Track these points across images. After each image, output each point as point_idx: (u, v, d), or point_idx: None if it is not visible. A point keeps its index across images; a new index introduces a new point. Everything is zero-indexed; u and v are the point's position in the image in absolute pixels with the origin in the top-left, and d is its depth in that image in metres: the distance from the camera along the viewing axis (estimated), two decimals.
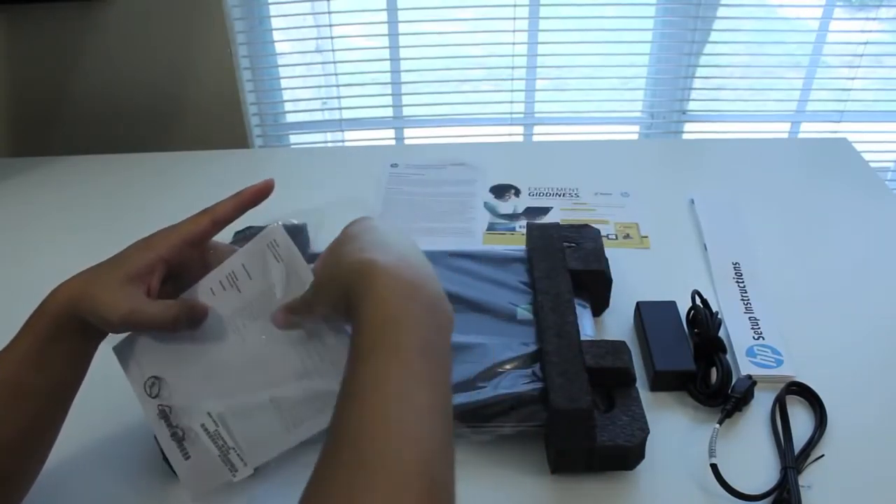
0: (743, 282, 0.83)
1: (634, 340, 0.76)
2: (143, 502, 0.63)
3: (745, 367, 0.72)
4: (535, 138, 1.56)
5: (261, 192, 0.56)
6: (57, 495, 0.62)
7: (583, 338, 0.67)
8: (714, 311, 0.74)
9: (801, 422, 0.67)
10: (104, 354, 0.57)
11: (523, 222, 0.95)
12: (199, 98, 1.34)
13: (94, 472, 0.64)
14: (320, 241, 0.55)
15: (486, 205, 0.99)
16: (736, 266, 0.86)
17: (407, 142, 1.58)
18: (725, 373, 0.69)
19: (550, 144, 1.45)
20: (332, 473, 0.38)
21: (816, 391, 0.69)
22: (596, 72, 1.48)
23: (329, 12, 1.37)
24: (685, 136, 1.56)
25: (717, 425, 0.65)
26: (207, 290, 0.55)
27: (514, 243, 0.90)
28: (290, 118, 1.51)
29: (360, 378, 0.40)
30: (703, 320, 0.73)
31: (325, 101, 1.51)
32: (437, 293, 0.45)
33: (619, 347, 0.66)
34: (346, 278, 0.45)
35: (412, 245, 0.49)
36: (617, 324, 0.78)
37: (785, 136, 1.58)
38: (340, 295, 0.46)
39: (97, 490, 0.63)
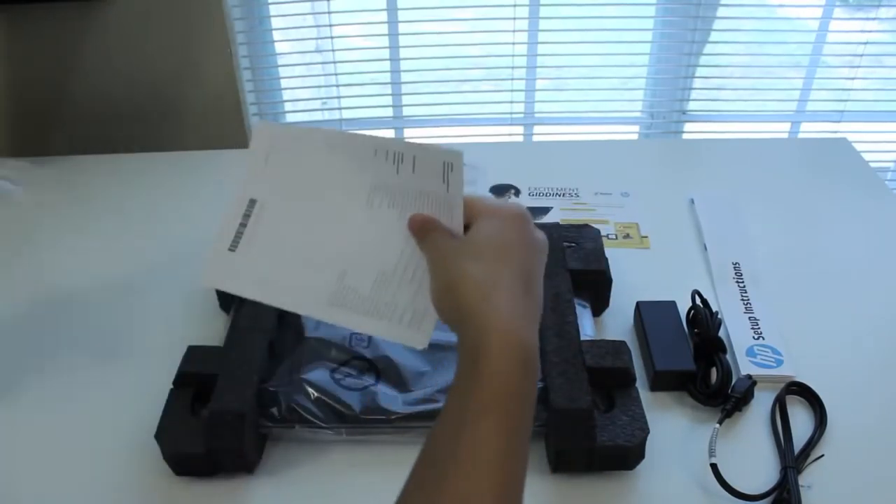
0: (743, 282, 0.83)
1: (634, 340, 0.76)
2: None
3: (745, 367, 0.72)
4: (535, 138, 1.56)
5: None
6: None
7: (583, 338, 0.67)
8: (714, 311, 0.74)
9: (801, 422, 0.67)
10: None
11: None
12: (199, 98, 1.34)
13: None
14: None
15: None
16: (736, 266, 0.86)
17: None
18: (725, 373, 0.69)
19: (550, 144, 1.45)
20: None
21: (816, 391, 0.69)
22: (596, 72, 1.48)
23: (329, 12, 1.37)
24: (685, 136, 1.56)
25: (717, 425, 0.65)
26: (371, 150, 0.53)
27: None
28: (290, 118, 1.51)
29: (467, 442, 0.40)
30: (703, 320, 0.73)
31: (325, 101, 1.51)
32: (537, 352, 0.44)
33: (619, 347, 0.66)
34: (460, 312, 0.44)
35: (533, 274, 0.47)
36: (617, 324, 0.78)
37: (785, 136, 1.58)
38: (453, 320, 0.46)
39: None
